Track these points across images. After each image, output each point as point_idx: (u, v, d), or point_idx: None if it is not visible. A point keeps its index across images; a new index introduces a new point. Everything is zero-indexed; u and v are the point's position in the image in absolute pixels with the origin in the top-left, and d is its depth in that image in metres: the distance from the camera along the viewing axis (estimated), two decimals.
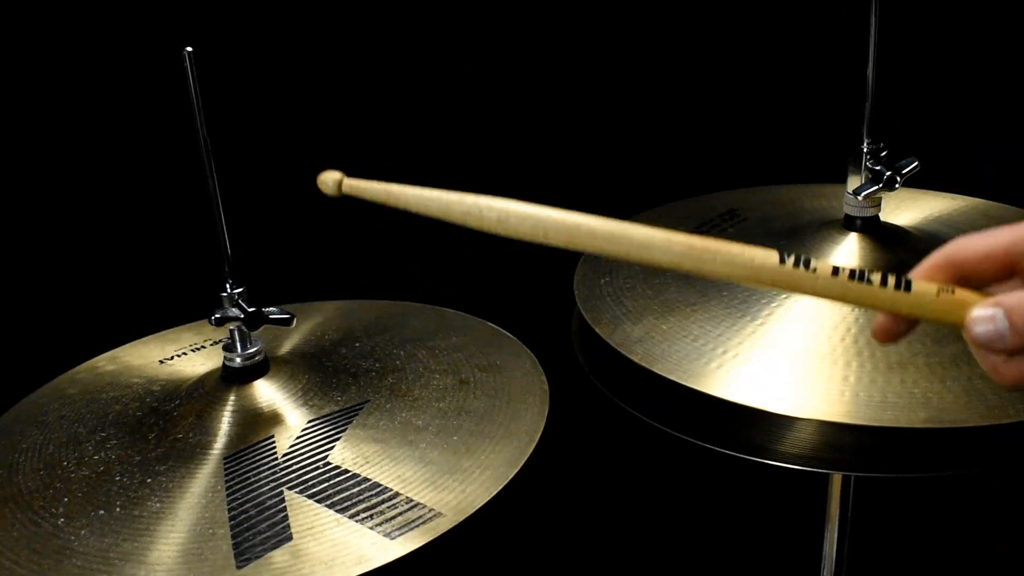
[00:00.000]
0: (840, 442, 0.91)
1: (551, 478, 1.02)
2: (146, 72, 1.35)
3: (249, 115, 1.43)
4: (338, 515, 0.81)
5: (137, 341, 1.13)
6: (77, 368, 1.08)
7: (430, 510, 0.81)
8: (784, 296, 1.02)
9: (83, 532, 0.82)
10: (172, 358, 1.08)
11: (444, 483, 0.84)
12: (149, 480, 0.86)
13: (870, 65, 1.04)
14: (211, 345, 1.09)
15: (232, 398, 0.94)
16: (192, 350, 1.09)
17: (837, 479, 1.19)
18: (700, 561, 1.76)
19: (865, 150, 1.07)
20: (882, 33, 1.03)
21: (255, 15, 1.43)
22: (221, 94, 0.93)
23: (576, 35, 1.52)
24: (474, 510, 0.81)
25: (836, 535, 1.22)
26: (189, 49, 0.84)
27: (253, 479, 0.85)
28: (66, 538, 0.81)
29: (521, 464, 0.86)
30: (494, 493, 0.83)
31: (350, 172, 0.63)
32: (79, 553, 0.80)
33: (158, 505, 0.84)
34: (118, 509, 0.84)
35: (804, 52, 1.50)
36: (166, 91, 0.95)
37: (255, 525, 0.80)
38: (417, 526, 0.79)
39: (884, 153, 1.07)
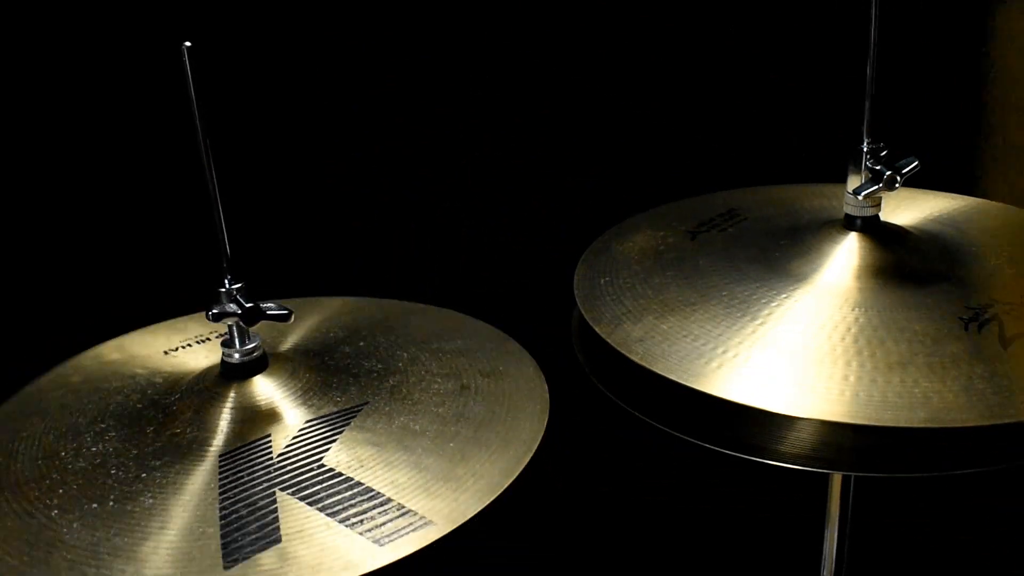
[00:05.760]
0: (840, 442, 0.91)
1: (550, 477, 1.01)
2: (144, 68, 1.35)
3: (248, 110, 1.43)
4: (328, 519, 0.80)
5: (144, 329, 1.12)
6: (82, 355, 1.08)
7: (420, 517, 0.80)
8: (784, 296, 1.02)
9: (75, 525, 0.81)
10: (177, 349, 1.07)
11: (437, 490, 0.83)
12: (144, 475, 0.86)
13: (870, 64, 1.03)
14: (216, 337, 1.08)
15: (231, 395, 0.94)
16: (198, 342, 1.08)
17: (837, 479, 1.19)
18: (700, 561, 1.76)
19: (865, 150, 1.07)
20: (882, 33, 1.02)
21: (253, 11, 1.43)
22: (219, 89, 0.93)
23: (576, 35, 1.52)
24: (465, 519, 0.80)
25: (836, 535, 1.22)
26: (187, 44, 0.84)
27: (246, 478, 0.85)
28: (58, 530, 0.81)
29: (516, 474, 0.85)
30: (486, 503, 0.82)
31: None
32: (69, 546, 0.79)
33: (151, 501, 0.83)
34: (111, 503, 0.83)
35: (804, 52, 1.50)
36: (164, 87, 0.95)
37: (245, 526, 0.80)
38: (406, 533, 0.79)
39: (884, 153, 1.07)
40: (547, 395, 0.97)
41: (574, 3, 1.50)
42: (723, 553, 1.76)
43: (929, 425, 0.86)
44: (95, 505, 0.83)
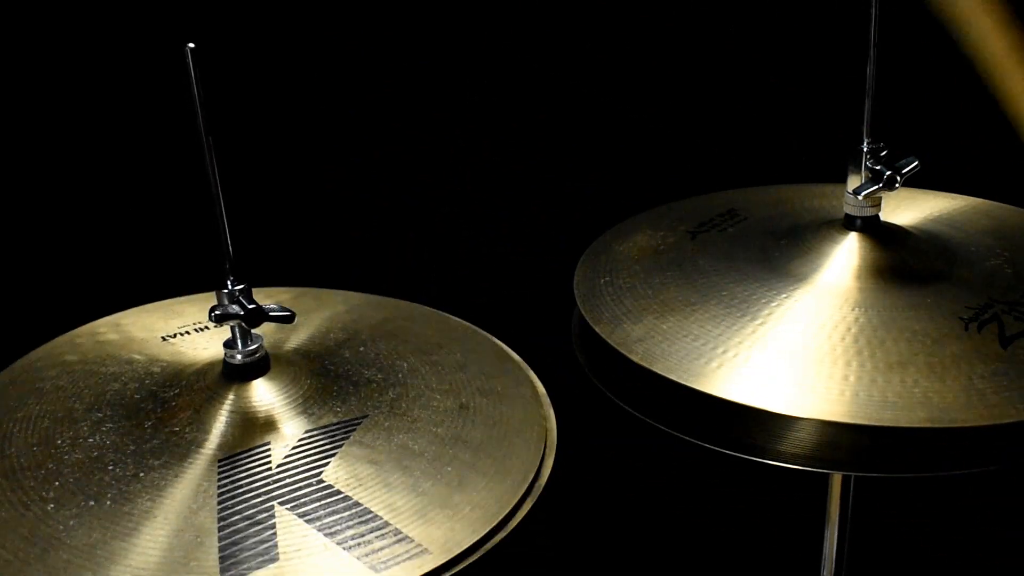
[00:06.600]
0: (840, 442, 0.91)
1: (550, 478, 1.01)
2: (149, 69, 1.35)
3: (248, 115, 1.43)
4: (326, 539, 0.79)
5: (140, 308, 1.11)
6: (77, 331, 1.06)
7: (417, 545, 0.78)
8: (784, 296, 1.02)
9: (72, 523, 0.80)
10: (175, 336, 1.05)
11: (434, 517, 0.81)
12: (142, 475, 0.84)
13: (870, 65, 1.04)
14: (215, 326, 1.05)
15: (231, 396, 0.92)
16: (196, 329, 1.06)
17: (837, 479, 1.19)
18: (700, 561, 1.76)
19: (865, 150, 1.07)
20: (882, 33, 1.03)
21: (257, 11, 1.43)
22: (223, 90, 0.93)
23: (576, 35, 1.52)
24: (460, 550, 0.78)
25: (836, 535, 1.22)
26: (191, 46, 0.84)
27: (245, 488, 0.83)
28: (55, 527, 0.80)
29: (511, 506, 0.84)
30: (481, 535, 0.80)
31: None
32: (66, 546, 0.78)
33: (149, 503, 0.82)
34: (108, 502, 0.82)
35: (804, 52, 1.50)
36: (168, 87, 0.95)
37: (243, 540, 0.78)
38: (403, 561, 0.77)
39: (884, 153, 1.07)
40: (548, 422, 0.95)
41: (572, 6, 1.50)
42: (723, 553, 1.76)
43: (929, 425, 0.86)
44: (92, 503, 0.82)
